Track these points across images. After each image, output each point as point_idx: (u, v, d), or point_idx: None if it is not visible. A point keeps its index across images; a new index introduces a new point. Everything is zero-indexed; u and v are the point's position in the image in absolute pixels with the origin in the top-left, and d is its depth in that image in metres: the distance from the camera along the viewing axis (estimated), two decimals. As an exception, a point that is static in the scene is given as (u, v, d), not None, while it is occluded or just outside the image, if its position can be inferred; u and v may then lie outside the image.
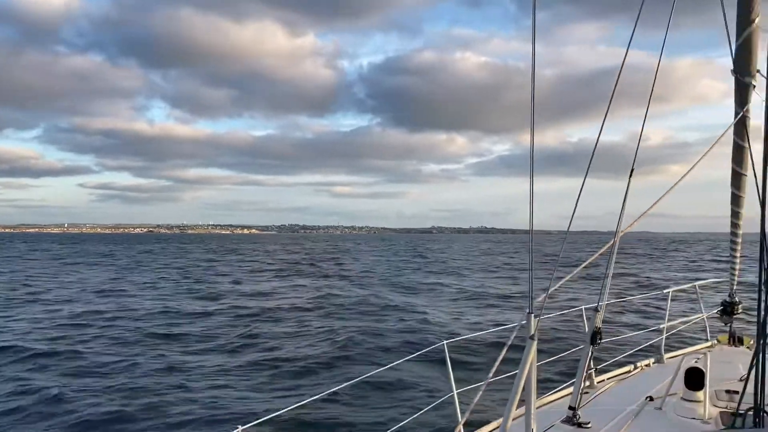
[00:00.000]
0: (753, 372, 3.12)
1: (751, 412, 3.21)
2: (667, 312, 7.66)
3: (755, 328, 3.28)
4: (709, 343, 7.71)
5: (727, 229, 6.81)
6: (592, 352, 4.38)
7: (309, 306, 23.20)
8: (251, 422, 3.95)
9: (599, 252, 3.86)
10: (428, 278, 37.41)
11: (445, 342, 4.98)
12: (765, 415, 3.09)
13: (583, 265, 3.78)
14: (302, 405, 4.74)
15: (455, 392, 4.61)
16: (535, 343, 3.18)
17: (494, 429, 4.71)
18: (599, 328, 4.22)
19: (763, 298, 3.11)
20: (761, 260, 3.13)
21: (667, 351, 7.14)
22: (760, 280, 3.13)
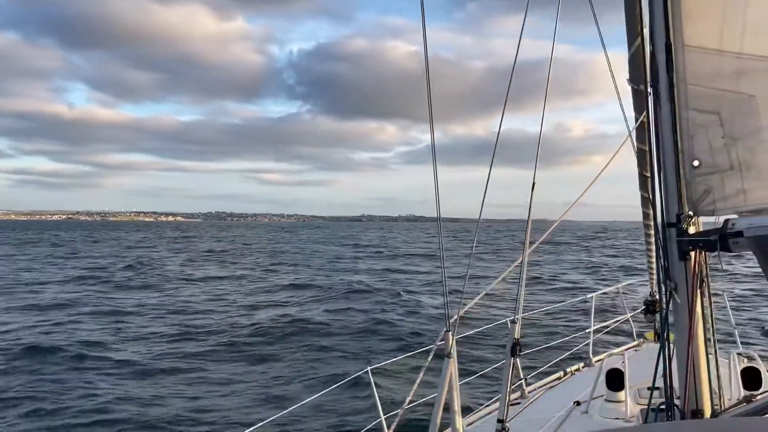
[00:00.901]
0: (661, 368, 3.22)
1: (663, 407, 3.32)
2: (592, 316, 7.87)
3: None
4: (636, 342, 7.93)
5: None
6: (514, 364, 4.44)
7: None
8: None
9: (510, 269, 3.94)
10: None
11: (369, 368, 4.96)
12: (676, 408, 3.19)
13: (498, 281, 3.85)
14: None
15: (383, 418, 4.59)
16: (453, 360, 3.20)
17: None
18: (518, 339, 4.29)
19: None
20: (657, 260, 3.25)
21: (595, 354, 7.32)
22: (658, 280, 3.25)
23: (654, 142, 3.23)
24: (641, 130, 5.84)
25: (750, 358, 4.95)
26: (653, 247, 7.37)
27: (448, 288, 3.47)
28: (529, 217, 4.14)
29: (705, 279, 3.12)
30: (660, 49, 3.09)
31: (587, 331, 7.68)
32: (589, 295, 8.45)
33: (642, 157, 6.05)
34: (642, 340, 7.95)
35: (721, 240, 2.87)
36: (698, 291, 3.08)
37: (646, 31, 4.99)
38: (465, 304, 3.56)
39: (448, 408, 3.39)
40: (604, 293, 9.99)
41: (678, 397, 3.23)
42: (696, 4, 2.98)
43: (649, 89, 4.81)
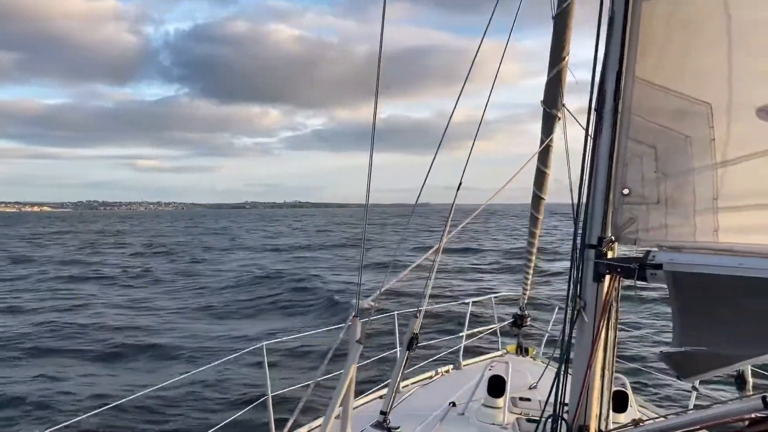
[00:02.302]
0: (556, 381, 3.31)
1: (550, 420, 3.43)
2: (467, 321, 8.09)
3: (540, 339, 3.49)
4: (500, 352, 8.24)
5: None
6: (408, 358, 4.45)
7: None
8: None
9: (424, 257, 3.93)
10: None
11: (264, 343, 4.81)
12: (563, 421, 3.30)
13: (409, 269, 3.83)
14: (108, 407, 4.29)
15: (269, 395, 4.45)
16: (361, 347, 3.13)
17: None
18: (417, 333, 4.31)
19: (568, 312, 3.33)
20: (570, 276, 3.34)
21: (464, 358, 7.54)
22: (567, 296, 3.34)
23: (588, 164, 3.31)
24: (545, 153, 6.06)
25: (620, 383, 5.26)
26: (532, 264, 7.68)
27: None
28: (450, 213, 4.16)
29: (615, 302, 3.25)
30: (611, 77, 3.16)
31: (460, 335, 7.90)
32: (467, 300, 8.71)
33: (542, 177, 6.28)
34: (505, 351, 8.28)
35: (640, 269, 2.98)
36: (606, 313, 3.20)
37: (566, 61, 5.14)
38: (377, 291, 3.49)
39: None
40: (479, 301, 10.34)
41: (566, 412, 3.33)
42: (652, 41, 3.07)
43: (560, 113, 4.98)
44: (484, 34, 4.87)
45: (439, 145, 4.61)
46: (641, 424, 3.04)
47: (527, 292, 8.20)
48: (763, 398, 2.59)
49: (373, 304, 3.31)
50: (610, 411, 4.31)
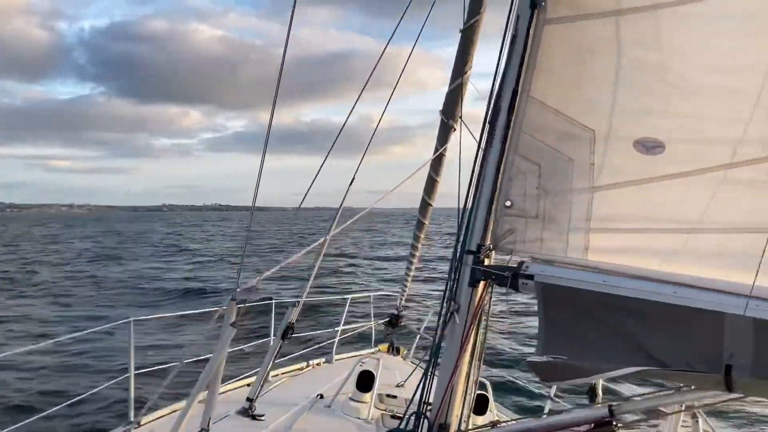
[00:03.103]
0: (424, 380, 3.40)
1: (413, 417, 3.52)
2: (344, 317, 8.15)
3: (412, 341, 3.58)
4: (372, 350, 8.36)
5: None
6: (281, 347, 4.42)
7: None
8: None
9: (307, 249, 3.91)
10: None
11: (131, 319, 4.60)
12: (426, 419, 3.39)
13: (294, 258, 3.80)
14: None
15: (132, 374, 4.27)
16: (234, 331, 3.08)
17: (170, 414, 4.48)
18: (293, 323, 4.28)
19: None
20: (448, 280, 3.44)
21: (337, 353, 7.59)
22: (443, 298, 3.44)
23: (476, 174, 3.43)
24: (438, 161, 6.22)
25: (481, 387, 5.47)
26: (413, 267, 7.85)
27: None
28: (338, 212, 4.16)
29: (486, 309, 3.38)
30: (507, 93, 3.29)
31: (336, 329, 7.94)
32: (345, 296, 8.77)
33: (430, 185, 6.43)
34: (377, 349, 8.41)
35: (513, 278, 3.13)
36: (477, 319, 3.33)
37: (468, 75, 5.30)
38: (257, 276, 3.44)
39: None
40: (359, 298, 10.46)
41: (429, 410, 3.43)
42: (550, 64, 3.23)
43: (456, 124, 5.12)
44: (389, 40, 4.91)
45: (331, 149, 4.60)
46: (498, 425, 3.19)
47: (406, 293, 8.37)
48: (609, 407, 2.79)
49: (255, 285, 3.25)
50: (471, 413, 4.49)
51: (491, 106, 3.38)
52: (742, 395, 2.54)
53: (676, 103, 3.01)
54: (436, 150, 6.04)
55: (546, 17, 3.21)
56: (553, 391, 6.28)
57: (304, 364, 6.97)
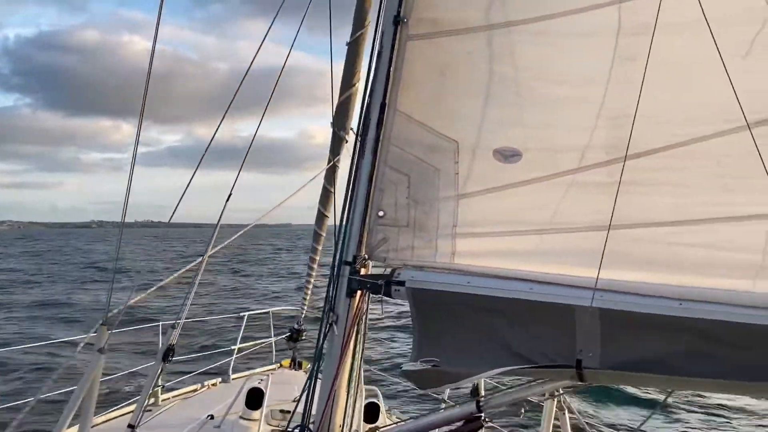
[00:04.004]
0: (305, 393, 3.43)
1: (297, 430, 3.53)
2: (240, 334, 8.03)
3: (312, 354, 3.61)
4: (273, 366, 8.27)
5: None
6: (162, 370, 4.31)
7: None
8: None
9: (187, 267, 3.85)
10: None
11: None
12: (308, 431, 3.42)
13: (170, 279, 3.74)
14: None
15: None
16: (104, 357, 3.00)
17: None
18: (173, 345, 4.18)
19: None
20: (327, 292, 3.49)
21: (236, 371, 7.45)
22: (324, 311, 3.49)
23: (352, 186, 3.51)
24: (331, 171, 6.29)
25: (373, 395, 5.55)
26: (312, 280, 7.87)
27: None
28: (217, 224, 4.12)
29: (363, 318, 3.46)
30: (375, 107, 3.41)
31: (232, 348, 7.81)
32: (242, 314, 8.64)
33: (325, 195, 6.49)
34: (279, 365, 8.34)
35: (386, 286, 3.23)
36: (355, 328, 3.40)
37: (359, 86, 5.43)
38: (130, 300, 3.37)
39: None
40: (257, 314, 10.30)
41: (312, 422, 3.46)
42: (414, 79, 3.37)
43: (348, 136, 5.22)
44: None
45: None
46: (377, 431, 3.26)
47: (306, 307, 8.34)
48: (477, 402, 2.92)
49: (123, 308, 3.17)
50: (361, 421, 4.55)
51: (362, 120, 3.48)
52: (593, 383, 2.74)
53: (530, 114, 3.22)
54: (330, 161, 6.11)
55: (408, 33, 3.35)
56: (446, 393, 6.43)
57: (198, 385, 6.81)
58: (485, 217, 3.27)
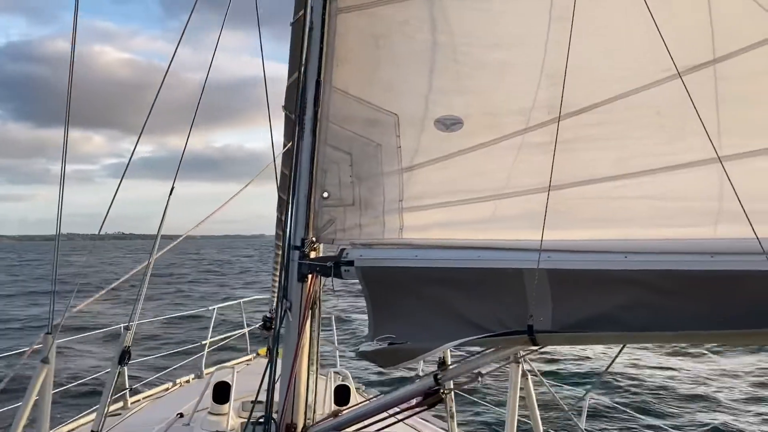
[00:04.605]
0: (268, 382, 3.36)
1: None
2: (211, 328, 7.92)
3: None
4: (249, 356, 8.19)
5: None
6: (119, 373, 4.21)
7: None
8: None
9: (134, 271, 3.75)
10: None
11: None
12: (273, 422, 3.36)
13: (114, 284, 3.64)
14: None
15: None
16: (49, 366, 2.90)
17: None
18: (128, 347, 4.09)
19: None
20: (279, 279, 3.42)
21: (209, 366, 7.35)
22: (278, 298, 3.41)
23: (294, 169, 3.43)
24: (288, 156, 6.18)
25: (343, 377, 5.52)
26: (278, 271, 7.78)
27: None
28: (160, 228, 4.00)
29: (317, 302, 3.40)
30: (311, 86, 3.32)
31: (203, 342, 7.70)
32: (211, 307, 8.51)
33: (284, 181, 6.39)
34: (254, 355, 8.26)
35: (335, 267, 3.17)
36: (309, 312, 3.33)
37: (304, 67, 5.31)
38: (73, 307, 3.26)
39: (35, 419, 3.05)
40: (228, 306, 10.18)
41: (276, 412, 3.41)
42: (348, 53, 3.28)
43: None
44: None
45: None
46: (339, 414, 3.22)
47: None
48: (435, 376, 2.89)
49: (66, 316, 3.07)
50: (332, 405, 4.51)
51: (298, 99, 3.39)
52: (547, 346, 2.72)
53: (468, 81, 3.15)
54: (284, 146, 5.99)
55: (338, 6, 3.26)
56: (420, 367, 6.42)
57: (170, 384, 6.71)
58: (431, 189, 3.21)
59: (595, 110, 2.86)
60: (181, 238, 3.86)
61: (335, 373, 6.16)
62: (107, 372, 4.39)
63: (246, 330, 8.76)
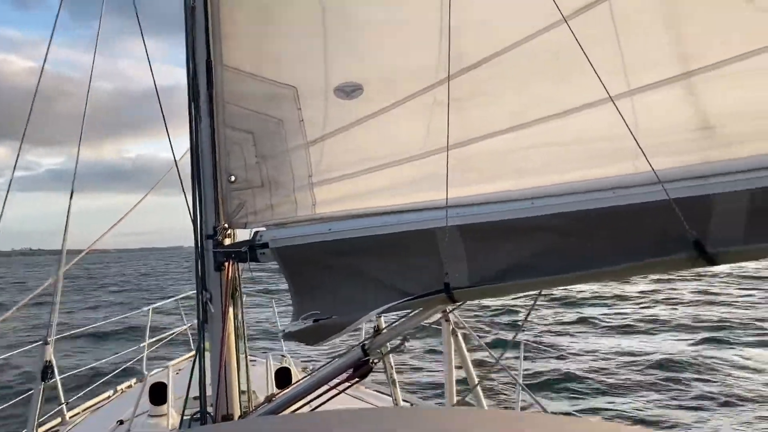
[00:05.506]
0: (198, 378, 3.28)
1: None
2: (148, 329, 7.69)
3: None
4: (192, 354, 8.00)
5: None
6: (47, 388, 4.05)
7: None
8: None
9: (37, 291, 3.62)
10: None
11: None
12: (209, 415, 3.29)
13: (23, 302, 3.50)
14: None
15: None
16: None
17: None
18: (49, 362, 3.93)
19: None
20: (196, 271, 3.32)
21: (151, 369, 7.15)
22: (197, 290, 3.31)
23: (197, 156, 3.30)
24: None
25: (283, 359, 5.46)
26: None
27: None
28: (64, 242, 3.83)
29: (238, 288, 3.31)
30: (201, 67, 3.18)
31: (141, 345, 7.48)
32: (145, 308, 8.26)
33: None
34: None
35: (251, 251, 3.08)
36: (231, 301, 3.25)
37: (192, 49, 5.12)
38: None
39: None
40: (163, 306, 9.92)
41: (212, 405, 3.33)
42: (236, 29, 3.15)
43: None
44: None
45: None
46: (273, 398, 3.17)
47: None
48: (362, 346, 2.86)
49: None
50: (252, 393, 4.46)
51: (190, 83, 3.25)
52: (466, 301, 2.73)
53: (362, 44, 3.07)
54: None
55: None
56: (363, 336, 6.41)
57: (111, 391, 6.51)
58: (339, 161, 3.14)
59: (491, 62, 2.82)
60: (83, 253, 3.71)
61: (281, 356, 6.10)
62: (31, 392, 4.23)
63: (186, 326, 8.56)
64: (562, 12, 2.51)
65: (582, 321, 18.01)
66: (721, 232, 2.14)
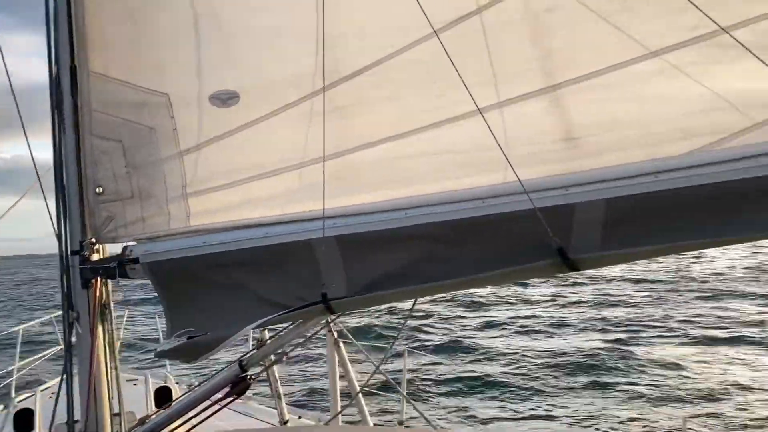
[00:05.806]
0: (66, 398, 3.09)
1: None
2: (18, 352, 7.17)
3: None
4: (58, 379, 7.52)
5: None
6: None
7: None
8: None
9: None
10: None
11: None
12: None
13: None
14: None
15: None
16: None
17: None
18: None
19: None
20: (62, 289, 3.11)
21: (23, 393, 6.67)
22: (63, 310, 3.11)
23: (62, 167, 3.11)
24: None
25: (163, 379, 5.24)
26: None
27: None
28: None
29: (108, 306, 3.14)
30: (65, 72, 3.00)
31: (10, 369, 6.96)
32: (15, 328, 7.70)
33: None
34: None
35: (120, 267, 2.93)
36: (100, 319, 3.07)
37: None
38: None
39: None
40: (39, 323, 9.29)
41: (81, 430, 3.14)
42: (103, 34, 3.00)
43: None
44: None
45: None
46: (147, 419, 3.03)
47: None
48: (240, 362, 2.78)
49: None
50: (153, 408, 4.25)
51: (53, 89, 3.06)
52: (344, 312, 2.72)
53: (239, 51, 3.00)
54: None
55: None
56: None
57: None
58: (215, 170, 3.04)
59: (368, 72, 2.83)
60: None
61: (166, 375, 5.85)
62: None
63: (62, 346, 8.02)
64: (433, 25, 2.55)
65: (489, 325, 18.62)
66: (582, 240, 2.24)
